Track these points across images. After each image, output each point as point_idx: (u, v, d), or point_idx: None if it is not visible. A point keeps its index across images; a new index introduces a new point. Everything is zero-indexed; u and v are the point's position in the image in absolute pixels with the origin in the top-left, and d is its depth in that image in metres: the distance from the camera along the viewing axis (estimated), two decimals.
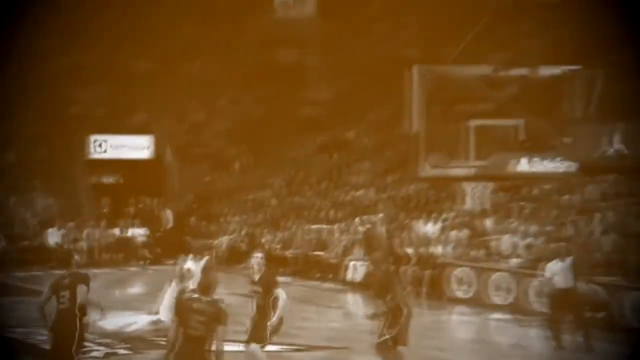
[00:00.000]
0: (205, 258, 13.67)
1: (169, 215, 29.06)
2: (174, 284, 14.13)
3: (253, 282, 12.15)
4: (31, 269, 24.36)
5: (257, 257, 12.52)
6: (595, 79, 10.27)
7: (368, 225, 24.33)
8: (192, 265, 13.63)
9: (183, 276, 13.50)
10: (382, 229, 22.53)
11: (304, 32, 36.65)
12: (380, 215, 23.39)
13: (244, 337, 12.15)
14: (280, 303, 12.09)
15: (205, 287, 9.13)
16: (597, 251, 18.74)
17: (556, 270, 15.83)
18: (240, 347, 12.26)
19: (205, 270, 13.13)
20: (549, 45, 9.96)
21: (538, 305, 18.96)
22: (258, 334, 11.97)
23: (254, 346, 11.99)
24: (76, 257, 11.61)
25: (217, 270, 13.74)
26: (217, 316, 8.78)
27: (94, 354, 14.65)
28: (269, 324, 11.97)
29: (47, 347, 13.52)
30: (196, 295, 9.09)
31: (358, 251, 23.60)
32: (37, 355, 14.59)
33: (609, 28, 24.96)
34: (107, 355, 14.59)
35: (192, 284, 13.12)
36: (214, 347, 8.76)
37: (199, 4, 37.11)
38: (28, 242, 26.74)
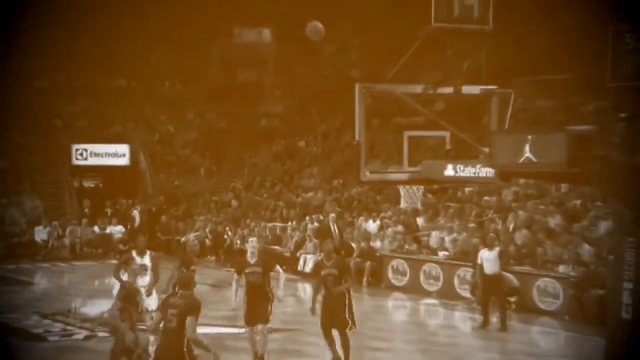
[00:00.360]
0: (149, 253, 12.80)
1: (136, 215, 28.85)
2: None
3: (250, 265, 11.79)
4: (20, 262, 24.06)
5: (252, 242, 12.22)
6: (509, 98, 10.41)
7: (316, 224, 24.37)
8: (141, 260, 12.61)
9: (136, 271, 12.50)
10: (334, 226, 22.53)
11: (261, 55, 36.68)
12: (332, 214, 23.41)
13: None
14: (282, 277, 12.05)
15: (183, 282, 9.03)
16: (510, 244, 18.98)
17: (486, 258, 16.04)
18: (240, 330, 11.93)
19: (182, 268, 12.88)
20: (470, 68, 10.12)
21: (462, 291, 19.20)
22: (261, 314, 11.72)
23: (260, 327, 11.74)
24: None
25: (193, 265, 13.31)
26: (187, 308, 8.62)
27: (76, 336, 14.55)
28: (278, 294, 11.86)
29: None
30: (177, 291, 8.98)
31: (308, 245, 23.65)
32: (25, 338, 14.44)
33: (519, 54, 25.39)
34: (87, 337, 14.46)
35: (147, 278, 12.58)
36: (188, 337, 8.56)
37: (170, 30, 36.95)
38: (18, 238, 26.38)
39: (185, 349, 8.56)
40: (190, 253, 14.23)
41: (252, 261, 11.81)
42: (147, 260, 12.53)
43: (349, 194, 26.26)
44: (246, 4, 35.58)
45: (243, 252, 12.54)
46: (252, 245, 12.07)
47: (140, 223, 28.35)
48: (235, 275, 12.12)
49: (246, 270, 11.81)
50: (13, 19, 32.07)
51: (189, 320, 8.53)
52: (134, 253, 12.62)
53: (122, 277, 12.53)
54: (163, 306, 8.88)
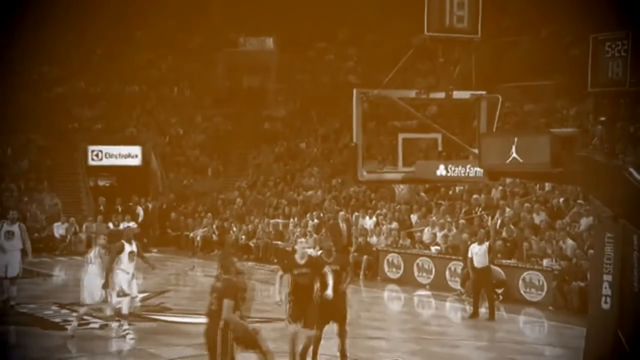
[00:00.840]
0: (134, 241, 13.90)
1: (140, 211, 28.90)
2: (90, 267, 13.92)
3: (299, 266, 11.01)
4: (40, 255, 24.03)
5: (302, 243, 11.53)
6: (497, 102, 10.41)
7: (316, 220, 24.34)
8: (130, 248, 13.71)
9: (128, 257, 13.65)
10: (343, 224, 22.32)
11: (264, 62, 36.66)
12: (342, 213, 23.26)
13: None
14: (329, 277, 11.09)
15: (223, 267, 8.92)
16: (498, 239, 18.97)
17: (476, 252, 16.03)
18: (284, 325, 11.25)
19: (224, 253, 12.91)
20: (460, 74, 10.11)
21: (453, 283, 19.20)
22: (309, 319, 10.99)
23: (307, 331, 11.03)
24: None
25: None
26: (225, 291, 8.51)
27: (92, 325, 14.54)
28: (325, 294, 10.93)
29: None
30: (220, 276, 8.86)
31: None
32: (45, 327, 14.46)
33: (506, 62, 25.41)
34: (102, 326, 14.45)
35: (133, 264, 13.71)
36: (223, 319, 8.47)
37: (179, 39, 36.98)
38: (38, 233, 26.35)
39: (219, 331, 8.43)
40: (228, 245, 14.42)
41: (302, 262, 11.09)
42: (133, 247, 13.72)
43: (347, 192, 26.25)
44: (251, 15, 35.62)
45: (291, 252, 11.72)
46: (301, 246, 11.35)
47: (143, 218, 28.47)
48: (280, 272, 11.29)
49: (295, 272, 11.04)
50: (35, 30, 32.16)
51: (225, 302, 8.41)
52: (124, 242, 13.75)
53: (124, 264, 13.47)
54: (211, 291, 8.81)
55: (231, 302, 8.42)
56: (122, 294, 13.64)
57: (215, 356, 8.52)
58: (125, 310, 13.65)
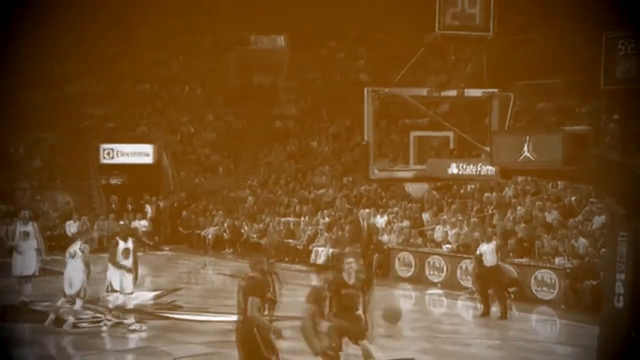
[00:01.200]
0: (130, 239, 14.30)
1: (148, 209, 29.01)
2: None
3: (347, 286, 10.40)
4: (53, 254, 24.07)
5: (350, 263, 10.69)
6: (509, 100, 10.37)
7: (327, 219, 24.33)
8: (125, 245, 14.07)
9: (122, 254, 14.00)
10: (364, 223, 22.19)
11: (275, 61, 36.69)
12: (367, 211, 23.03)
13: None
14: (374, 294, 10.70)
15: (250, 264, 8.87)
16: (510, 237, 18.93)
17: (485, 250, 16.00)
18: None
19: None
20: (472, 72, 10.07)
21: (464, 282, 19.16)
22: (355, 332, 10.54)
23: (365, 343, 10.60)
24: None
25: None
26: (250, 289, 8.46)
27: (103, 322, 14.59)
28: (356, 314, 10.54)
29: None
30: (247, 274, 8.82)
31: (320, 239, 23.63)
32: (58, 324, 14.50)
33: (518, 60, 25.29)
34: (115, 324, 14.50)
35: (129, 260, 14.01)
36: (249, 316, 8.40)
37: (191, 38, 37.07)
38: (50, 232, 26.44)
39: (255, 330, 8.35)
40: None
41: (350, 282, 10.49)
42: (129, 244, 14.11)
43: (358, 190, 26.23)
44: (262, 13, 35.65)
45: (336, 269, 11.21)
46: (350, 266, 10.57)
47: (153, 216, 28.57)
48: (329, 296, 10.40)
49: (342, 292, 10.42)
50: (46, 29, 32.30)
51: (250, 300, 8.37)
52: (118, 239, 14.23)
53: (118, 260, 13.90)
54: (238, 289, 8.78)
55: (255, 299, 8.37)
56: (110, 289, 14.01)
57: (245, 354, 8.46)
58: (111, 305, 14.08)
